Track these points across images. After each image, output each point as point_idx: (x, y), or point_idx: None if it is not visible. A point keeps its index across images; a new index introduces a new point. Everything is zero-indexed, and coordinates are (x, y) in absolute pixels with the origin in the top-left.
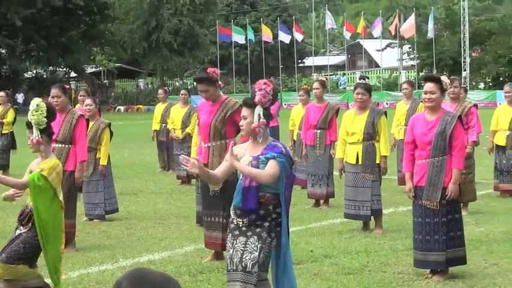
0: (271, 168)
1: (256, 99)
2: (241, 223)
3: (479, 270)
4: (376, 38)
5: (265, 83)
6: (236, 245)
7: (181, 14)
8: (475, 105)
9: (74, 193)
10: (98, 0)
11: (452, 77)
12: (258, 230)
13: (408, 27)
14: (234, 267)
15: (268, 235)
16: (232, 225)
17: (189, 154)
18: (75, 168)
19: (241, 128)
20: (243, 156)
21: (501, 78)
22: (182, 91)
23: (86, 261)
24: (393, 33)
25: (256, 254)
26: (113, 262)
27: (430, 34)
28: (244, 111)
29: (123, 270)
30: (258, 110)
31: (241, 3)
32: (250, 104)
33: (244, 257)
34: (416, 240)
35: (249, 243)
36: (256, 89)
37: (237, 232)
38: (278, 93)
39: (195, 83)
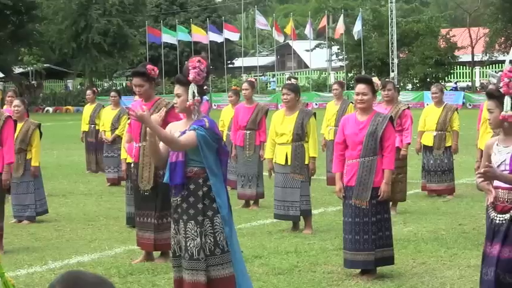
0: (186, 136)
1: (191, 77)
2: (176, 202)
3: (408, 269)
4: (305, 39)
5: (198, 61)
6: (180, 231)
7: (110, 14)
8: (408, 107)
9: (1, 195)
10: (25, 0)
11: (387, 79)
12: (192, 211)
13: (339, 28)
14: (182, 254)
15: (205, 216)
16: (172, 209)
17: (119, 156)
18: (2, 171)
19: (175, 105)
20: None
21: (428, 79)
22: (112, 93)
23: (15, 264)
24: (323, 34)
25: (198, 239)
26: (42, 264)
27: (358, 35)
28: (178, 89)
29: (52, 272)
30: (192, 87)
31: (171, 4)
32: (184, 82)
33: (188, 244)
34: (346, 240)
35: (189, 229)
36: (190, 67)
37: (176, 216)
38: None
39: (124, 84)
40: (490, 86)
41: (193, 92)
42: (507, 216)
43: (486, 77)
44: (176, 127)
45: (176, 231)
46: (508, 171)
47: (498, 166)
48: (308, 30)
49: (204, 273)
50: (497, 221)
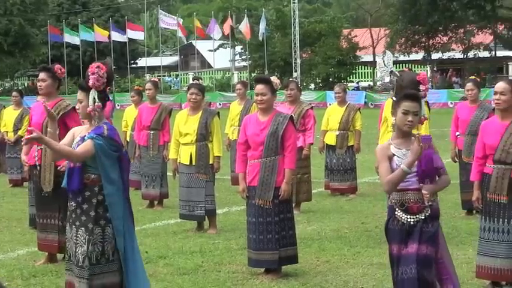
0: (82, 147)
1: (90, 83)
2: (71, 207)
3: (312, 267)
4: (209, 39)
5: (97, 67)
6: (72, 236)
7: (11, 13)
8: (312, 107)
9: None
10: None
11: (290, 79)
12: (83, 218)
13: (245, 28)
14: (72, 260)
15: (97, 224)
16: (68, 212)
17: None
18: None
19: (77, 111)
20: None
21: (331, 79)
22: (14, 93)
23: None
24: (226, 33)
25: (85, 247)
26: None
27: (262, 35)
28: (80, 95)
29: None
30: (93, 93)
31: (73, 3)
32: (85, 88)
33: (77, 250)
34: (250, 239)
35: (79, 235)
36: (89, 73)
37: (70, 220)
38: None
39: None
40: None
41: (94, 98)
42: (421, 216)
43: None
44: (79, 132)
45: (70, 235)
46: (416, 174)
47: None
48: (213, 30)
49: (86, 282)
50: (411, 223)
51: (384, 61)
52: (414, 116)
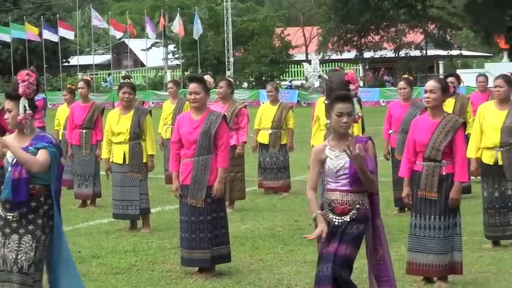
0: (43, 157)
1: (20, 91)
2: (11, 217)
3: (246, 266)
4: (141, 38)
5: (27, 74)
6: (9, 244)
7: None
8: (245, 106)
9: None
10: None
11: (226, 78)
12: (31, 227)
13: (178, 27)
14: (9, 268)
15: (43, 232)
16: (1, 222)
17: None
18: None
19: (6, 121)
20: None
21: (264, 78)
22: None
23: None
24: (160, 32)
25: (32, 254)
26: None
27: (196, 34)
28: (8, 104)
29: None
30: (23, 101)
31: (4, 1)
32: (14, 96)
33: (19, 257)
34: (183, 238)
35: (23, 242)
36: (19, 81)
37: (8, 230)
38: (43, 92)
39: None
40: (316, 84)
41: (24, 106)
42: (346, 218)
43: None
44: (11, 140)
45: (3, 245)
46: (347, 175)
47: (337, 171)
48: (148, 28)
49: None
50: (336, 223)
51: (311, 66)
52: (348, 116)
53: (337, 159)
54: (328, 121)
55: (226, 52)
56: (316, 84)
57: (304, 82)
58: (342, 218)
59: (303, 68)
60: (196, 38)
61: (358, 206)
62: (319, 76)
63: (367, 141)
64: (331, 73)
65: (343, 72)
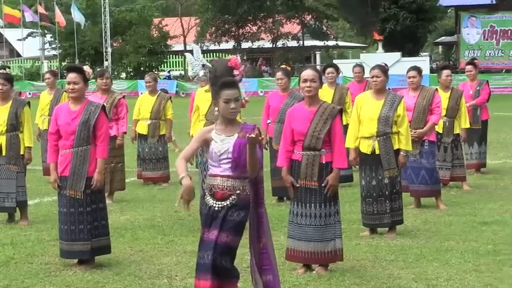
0: None
1: None
2: None
3: (126, 257)
4: (17, 27)
5: None
6: None
7: None
8: (124, 96)
9: None
10: None
11: (100, 69)
12: None
13: (57, 17)
14: None
15: None
16: None
17: None
18: None
19: None
20: None
21: (142, 68)
22: None
23: None
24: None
25: None
26: None
27: (80, 22)
28: None
29: None
30: None
31: None
32: None
33: None
34: (62, 230)
35: None
36: None
37: None
38: None
39: None
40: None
41: None
42: (226, 202)
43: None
44: None
45: None
46: (230, 159)
47: (220, 155)
48: (29, 16)
49: None
50: (216, 208)
51: (193, 55)
52: (236, 102)
53: (222, 143)
54: (216, 108)
55: (104, 42)
56: (201, 73)
57: (182, 73)
58: (222, 202)
59: (186, 58)
60: (82, 27)
61: (238, 191)
62: (203, 65)
63: (255, 128)
64: (214, 61)
65: (225, 59)
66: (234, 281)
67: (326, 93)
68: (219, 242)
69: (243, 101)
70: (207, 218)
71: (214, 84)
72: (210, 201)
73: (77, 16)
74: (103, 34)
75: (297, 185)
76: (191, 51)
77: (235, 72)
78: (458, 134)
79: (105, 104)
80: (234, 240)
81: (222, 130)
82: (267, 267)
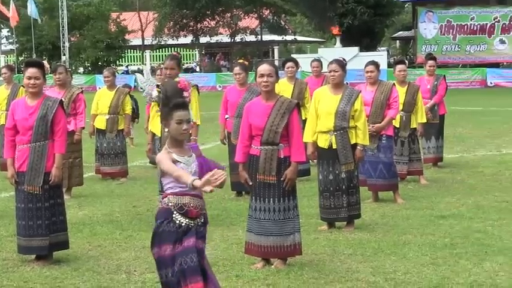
0: None
1: None
2: None
3: (84, 252)
4: None
5: None
6: None
7: None
8: (82, 91)
9: None
10: None
11: (58, 63)
12: None
13: (12, 12)
14: None
15: None
16: None
17: None
18: None
19: None
20: None
21: (100, 63)
22: None
23: None
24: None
25: None
26: None
27: (35, 16)
28: None
29: None
30: None
31: None
32: None
33: None
34: (20, 226)
35: None
36: None
37: None
38: None
39: None
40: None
41: None
42: (197, 220)
43: (156, 61)
44: None
45: None
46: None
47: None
48: None
49: None
50: (189, 226)
51: (144, 76)
52: (187, 123)
53: (188, 164)
54: (166, 129)
55: (61, 37)
56: (155, 93)
57: (141, 67)
58: (195, 221)
59: (137, 78)
60: (38, 21)
61: (204, 211)
62: (157, 85)
63: (198, 147)
64: (164, 82)
65: (175, 81)
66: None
67: (285, 88)
68: (198, 248)
69: (192, 122)
70: (173, 234)
71: (166, 105)
72: (181, 219)
73: (32, 10)
74: (60, 29)
75: (250, 183)
76: (141, 72)
77: (185, 94)
78: (415, 128)
79: (63, 99)
80: (204, 249)
81: (179, 151)
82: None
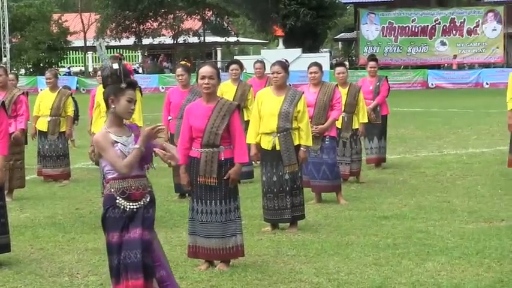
0: None
1: None
2: None
3: (26, 255)
4: None
5: None
6: None
7: None
8: (24, 93)
9: None
10: None
11: (2, 65)
12: None
13: None
14: None
15: None
16: None
17: None
18: None
19: None
20: None
21: (41, 64)
22: None
23: None
24: None
25: None
26: None
27: None
28: None
29: None
30: None
31: None
32: None
33: None
34: None
35: None
36: None
37: None
38: None
39: None
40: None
41: None
42: (142, 201)
43: (98, 62)
44: None
45: None
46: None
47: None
48: None
49: None
50: (134, 209)
51: (100, 47)
52: (134, 104)
53: (126, 145)
54: (113, 106)
55: (2, 38)
56: (115, 66)
57: (83, 69)
58: (139, 202)
59: (97, 50)
60: None
61: (149, 188)
62: (120, 59)
63: (137, 126)
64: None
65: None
66: (152, 281)
67: (228, 90)
68: (144, 240)
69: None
70: (122, 221)
71: (119, 81)
72: (125, 203)
73: None
74: (1, 30)
75: (189, 188)
76: (100, 44)
77: (132, 76)
78: (357, 129)
79: (5, 101)
80: (151, 237)
81: (119, 131)
82: (158, 264)
